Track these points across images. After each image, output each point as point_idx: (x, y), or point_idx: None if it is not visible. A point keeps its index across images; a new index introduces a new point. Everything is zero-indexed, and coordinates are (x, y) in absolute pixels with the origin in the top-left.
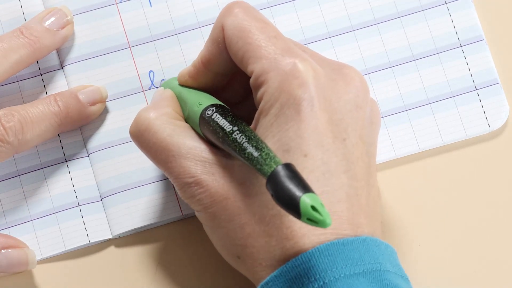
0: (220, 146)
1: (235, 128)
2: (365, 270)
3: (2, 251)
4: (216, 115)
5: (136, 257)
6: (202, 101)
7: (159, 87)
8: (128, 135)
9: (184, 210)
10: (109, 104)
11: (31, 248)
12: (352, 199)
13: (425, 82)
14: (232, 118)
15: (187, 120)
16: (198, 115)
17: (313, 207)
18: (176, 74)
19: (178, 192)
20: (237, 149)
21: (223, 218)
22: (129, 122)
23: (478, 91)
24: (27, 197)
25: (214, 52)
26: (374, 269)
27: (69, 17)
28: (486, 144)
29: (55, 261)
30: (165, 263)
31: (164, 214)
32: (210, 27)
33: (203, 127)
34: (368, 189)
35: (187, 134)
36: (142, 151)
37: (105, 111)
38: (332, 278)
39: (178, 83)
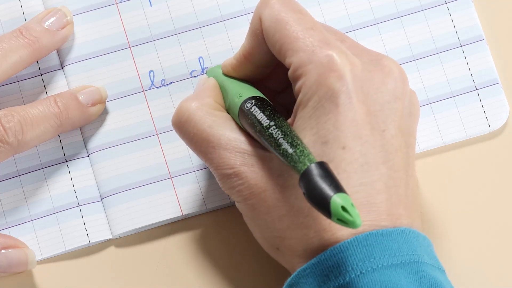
0: (257, 139)
1: (272, 123)
2: (403, 262)
3: (2, 251)
4: (255, 108)
5: (136, 257)
6: (243, 92)
7: (204, 74)
8: (128, 135)
9: (184, 210)
10: (109, 104)
11: (31, 248)
12: (390, 190)
13: (425, 82)
14: (270, 112)
15: (228, 110)
16: (238, 106)
17: (343, 208)
18: (175, 73)
19: (219, 183)
20: (273, 144)
21: (261, 210)
22: (129, 122)
23: (478, 91)
24: (27, 197)
25: (254, 45)
26: (411, 260)
27: (68, 17)
28: (486, 144)
29: (55, 261)
30: (165, 263)
31: (164, 214)
32: (210, 27)
33: (242, 119)
34: (407, 180)
35: (227, 125)
36: (183, 141)
37: (105, 111)
38: (369, 269)
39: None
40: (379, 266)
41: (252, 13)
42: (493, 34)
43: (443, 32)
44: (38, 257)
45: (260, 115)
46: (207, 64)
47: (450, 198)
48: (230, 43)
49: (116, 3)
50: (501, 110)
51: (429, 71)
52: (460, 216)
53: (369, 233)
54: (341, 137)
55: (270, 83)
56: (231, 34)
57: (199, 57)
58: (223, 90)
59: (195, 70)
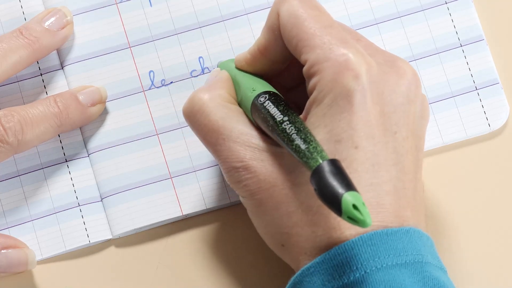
0: (269, 134)
1: (286, 118)
2: (408, 261)
3: (2, 251)
4: (268, 103)
5: (136, 257)
6: (256, 87)
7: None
8: (128, 135)
9: (184, 210)
10: (109, 104)
11: (31, 248)
12: (399, 192)
13: (425, 82)
14: (283, 108)
15: (239, 104)
16: (251, 101)
17: (354, 206)
18: (175, 73)
19: (225, 176)
20: (286, 139)
21: (269, 206)
22: (129, 122)
23: (478, 91)
24: (27, 197)
25: (271, 40)
26: (416, 260)
27: (68, 18)
28: (486, 144)
29: (55, 261)
30: (165, 263)
31: (164, 214)
32: (210, 27)
33: (254, 114)
34: (415, 183)
35: (239, 118)
36: (193, 131)
37: (105, 111)
38: (374, 268)
39: (234, 66)
40: (384, 265)
41: (252, 13)
42: (493, 34)
43: (443, 32)
44: (38, 257)
45: (273, 110)
46: (207, 64)
47: (450, 198)
48: (230, 43)
49: (116, 3)
50: (501, 110)
51: (429, 71)
52: (460, 216)
53: (374, 233)
54: (354, 137)
55: (282, 79)
56: (231, 34)
57: (199, 57)
58: (235, 83)
59: (195, 70)
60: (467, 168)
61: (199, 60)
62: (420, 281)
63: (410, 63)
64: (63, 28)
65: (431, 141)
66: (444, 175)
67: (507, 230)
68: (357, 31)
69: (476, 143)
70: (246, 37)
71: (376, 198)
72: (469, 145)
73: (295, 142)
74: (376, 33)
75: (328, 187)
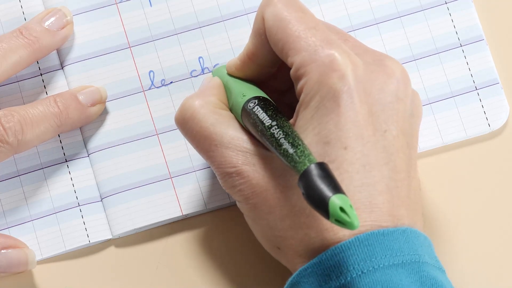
0: (259, 139)
1: (274, 123)
2: (404, 261)
3: (2, 251)
4: (257, 108)
5: (136, 257)
6: (246, 92)
7: (204, 73)
8: (128, 135)
9: (184, 210)
10: (109, 104)
11: (31, 248)
12: (392, 191)
13: (425, 82)
14: (272, 112)
15: (231, 110)
16: (241, 106)
17: (341, 209)
18: (175, 73)
19: (220, 182)
20: (274, 144)
21: (263, 210)
22: (129, 122)
23: (478, 91)
24: (27, 197)
25: (258, 44)
26: (413, 260)
27: (68, 18)
28: (486, 144)
29: (55, 261)
30: (165, 263)
31: (164, 214)
32: (210, 27)
33: (244, 119)
34: (409, 181)
35: (230, 124)
36: (186, 138)
37: (105, 111)
38: (370, 268)
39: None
40: (380, 266)
41: (252, 13)
42: (493, 34)
43: (443, 32)
44: (38, 257)
45: (262, 115)
46: (207, 64)
47: (450, 198)
48: (230, 43)
49: (116, 3)
50: (501, 110)
51: (429, 71)
52: (460, 216)
53: (371, 233)
54: (343, 138)
55: (275, 82)
56: (231, 34)
57: (199, 57)
58: (227, 89)
59: (195, 70)
60: (467, 168)
61: (199, 60)
62: (417, 281)
63: (410, 63)
64: (63, 28)
65: (431, 141)
66: (444, 175)
67: (506, 230)
68: (357, 31)
69: (476, 143)
70: (246, 37)
71: (368, 198)
72: (469, 145)
73: (283, 147)
74: (376, 33)
75: (315, 191)
